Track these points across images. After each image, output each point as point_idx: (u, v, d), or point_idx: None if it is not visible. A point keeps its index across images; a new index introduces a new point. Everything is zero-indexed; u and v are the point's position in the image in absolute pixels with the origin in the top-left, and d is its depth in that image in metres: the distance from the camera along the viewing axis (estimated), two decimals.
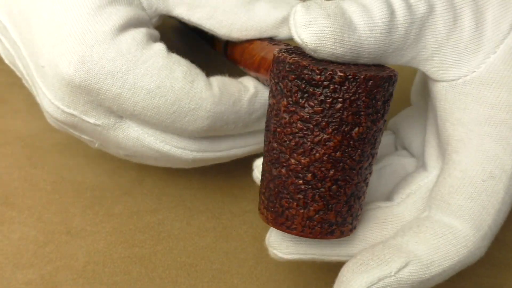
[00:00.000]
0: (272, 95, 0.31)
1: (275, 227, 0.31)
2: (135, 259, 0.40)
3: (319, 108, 0.29)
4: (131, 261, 0.40)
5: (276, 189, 0.30)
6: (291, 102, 0.29)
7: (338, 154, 0.29)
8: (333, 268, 0.40)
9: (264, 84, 0.37)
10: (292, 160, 0.30)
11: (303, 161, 0.29)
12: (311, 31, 0.29)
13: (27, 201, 0.42)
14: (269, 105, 0.31)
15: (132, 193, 0.43)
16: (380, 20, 0.30)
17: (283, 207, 0.30)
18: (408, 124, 0.38)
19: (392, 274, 0.29)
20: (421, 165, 0.36)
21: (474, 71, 0.31)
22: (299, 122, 0.29)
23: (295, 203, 0.30)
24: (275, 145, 0.30)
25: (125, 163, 0.45)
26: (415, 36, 0.30)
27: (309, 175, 0.29)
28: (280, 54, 0.30)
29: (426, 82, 0.36)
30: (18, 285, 0.38)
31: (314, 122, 0.29)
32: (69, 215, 0.42)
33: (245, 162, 0.44)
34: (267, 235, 0.33)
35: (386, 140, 0.40)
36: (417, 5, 0.30)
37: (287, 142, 0.30)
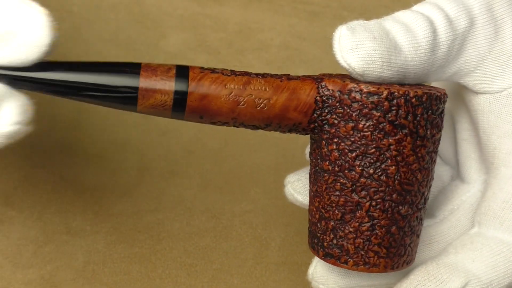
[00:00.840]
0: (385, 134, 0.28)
1: (328, 261, 0.29)
2: (135, 259, 0.40)
3: (438, 134, 0.28)
4: (131, 261, 0.40)
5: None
6: (420, 136, 0.28)
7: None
8: None
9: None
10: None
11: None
12: (358, 55, 0.28)
13: (27, 201, 0.42)
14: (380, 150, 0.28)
15: (132, 193, 0.43)
16: (423, 39, 0.29)
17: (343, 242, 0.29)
18: (448, 149, 0.37)
19: None
20: (458, 177, 0.35)
21: None
22: (426, 154, 0.28)
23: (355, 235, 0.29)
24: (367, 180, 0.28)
25: (125, 163, 0.45)
26: (457, 52, 0.30)
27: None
28: (396, 91, 0.27)
29: (456, 94, 0.35)
30: (18, 285, 0.38)
31: (433, 147, 0.29)
32: (69, 215, 0.42)
33: (245, 162, 0.44)
34: (311, 269, 0.32)
35: None
36: (458, 20, 0.30)
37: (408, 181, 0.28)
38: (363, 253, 0.28)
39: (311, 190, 0.30)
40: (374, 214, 0.28)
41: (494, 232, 0.31)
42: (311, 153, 0.30)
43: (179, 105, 0.27)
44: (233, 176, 0.44)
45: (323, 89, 0.28)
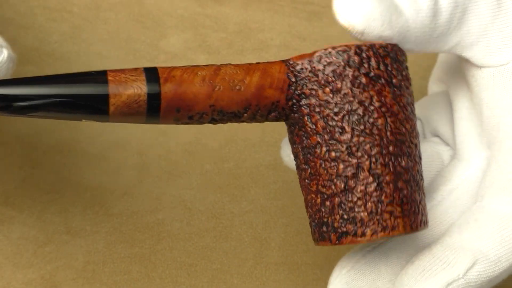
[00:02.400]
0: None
1: (345, 242, 0.28)
2: (135, 259, 0.40)
3: (410, 87, 0.29)
4: (131, 261, 0.40)
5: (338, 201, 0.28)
6: (396, 86, 0.28)
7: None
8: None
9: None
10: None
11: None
12: (359, 12, 0.27)
13: (27, 201, 0.42)
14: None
15: (132, 193, 0.43)
16: (424, 3, 0.29)
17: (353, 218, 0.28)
18: (436, 111, 0.36)
19: (461, 276, 0.28)
20: (456, 157, 0.33)
21: None
22: (407, 105, 0.29)
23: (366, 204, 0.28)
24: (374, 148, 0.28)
25: (125, 163, 0.45)
26: (459, 20, 0.30)
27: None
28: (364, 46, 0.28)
29: (455, 73, 0.35)
30: (18, 285, 0.38)
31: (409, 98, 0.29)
32: (69, 215, 0.42)
33: (245, 162, 0.44)
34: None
35: None
36: None
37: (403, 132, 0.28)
38: (378, 217, 0.27)
39: (304, 179, 0.29)
40: (377, 171, 0.28)
41: (500, 205, 0.30)
42: (293, 141, 0.29)
43: (154, 99, 0.26)
44: (233, 176, 0.44)
45: (292, 65, 0.28)
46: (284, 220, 0.42)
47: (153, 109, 0.26)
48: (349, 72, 0.28)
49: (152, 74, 0.26)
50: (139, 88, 0.26)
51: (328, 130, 0.28)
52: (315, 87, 0.28)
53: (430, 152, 0.35)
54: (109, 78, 0.26)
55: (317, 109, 0.28)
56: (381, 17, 0.28)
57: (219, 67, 0.28)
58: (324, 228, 0.28)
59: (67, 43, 0.46)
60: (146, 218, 0.42)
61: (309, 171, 0.29)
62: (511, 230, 0.29)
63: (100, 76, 0.26)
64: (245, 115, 0.28)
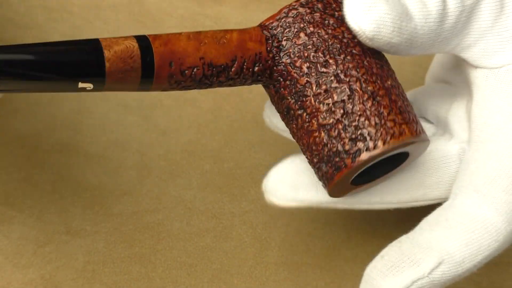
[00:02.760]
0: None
1: (360, 160, 0.29)
2: (135, 259, 0.40)
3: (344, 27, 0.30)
4: (131, 261, 0.40)
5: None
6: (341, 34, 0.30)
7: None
8: (333, 269, 0.40)
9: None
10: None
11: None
12: (371, 18, 0.27)
13: (27, 201, 0.42)
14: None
15: (132, 193, 0.43)
16: (434, 8, 0.29)
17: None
18: (429, 96, 0.36)
19: (426, 275, 0.29)
20: (446, 133, 0.34)
21: None
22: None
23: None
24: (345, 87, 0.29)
25: (125, 163, 0.45)
26: (463, 25, 0.30)
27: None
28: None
29: (456, 66, 0.35)
30: (18, 285, 0.38)
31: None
32: (69, 215, 0.42)
33: (245, 162, 0.44)
34: (264, 180, 0.33)
35: None
36: None
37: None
38: (383, 127, 0.28)
39: (301, 126, 0.30)
40: (368, 88, 0.29)
41: (470, 207, 0.30)
42: (282, 96, 0.31)
43: (147, 53, 0.27)
44: (233, 176, 0.44)
45: (264, 26, 0.31)
46: (284, 220, 0.42)
47: (147, 64, 0.27)
48: (316, 17, 0.30)
49: (141, 36, 0.28)
50: (131, 45, 0.27)
51: (313, 68, 0.29)
52: (290, 36, 0.30)
53: None
54: (101, 40, 0.27)
55: (298, 54, 0.30)
56: (392, 24, 0.27)
57: (199, 31, 0.29)
58: (336, 159, 0.29)
59: None
60: (146, 218, 0.42)
61: (305, 113, 0.30)
62: (478, 232, 0.30)
63: (91, 40, 0.27)
64: (233, 68, 0.29)
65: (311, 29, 0.30)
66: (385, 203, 0.33)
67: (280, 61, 0.30)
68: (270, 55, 0.30)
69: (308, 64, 0.29)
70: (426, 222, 0.31)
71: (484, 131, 0.31)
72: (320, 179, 0.31)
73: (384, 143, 0.28)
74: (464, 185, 0.31)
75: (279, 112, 0.32)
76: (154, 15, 0.47)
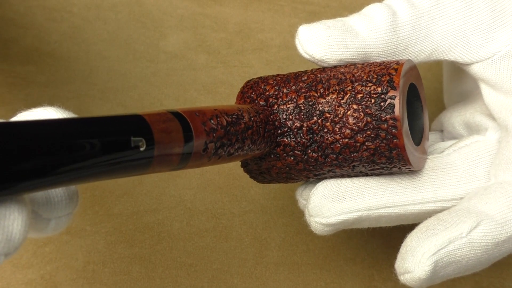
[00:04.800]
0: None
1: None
2: (135, 259, 0.40)
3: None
4: (131, 261, 0.40)
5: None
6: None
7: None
8: (333, 269, 0.40)
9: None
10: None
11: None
12: (315, 44, 0.31)
13: None
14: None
15: (132, 193, 0.43)
16: (382, 22, 0.31)
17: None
18: (452, 111, 0.36)
19: (464, 235, 0.27)
20: (480, 130, 0.34)
21: (508, 45, 0.31)
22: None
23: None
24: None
25: None
26: (427, 29, 0.31)
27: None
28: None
29: (458, 74, 0.36)
30: (18, 285, 0.38)
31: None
32: None
33: None
34: (306, 206, 0.31)
35: (433, 138, 0.37)
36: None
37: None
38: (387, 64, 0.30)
39: (331, 128, 0.30)
40: (356, 82, 0.30)
41: (509, 176, 0.30)
42: (298, 143, 0.31)
43: (173, 111, 0.27)
44: (233, 176, 0.44)
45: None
46: (284, 220, 0.42)
47: (180, 118, 0.26)
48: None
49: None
50: (160, 110, 0.26)
51: (296, 86, 0.31)
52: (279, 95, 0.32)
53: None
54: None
55: (280, 94, 0.31)
56: (336, 43, 0.31)
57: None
58: (382, 102, 0.29)
59: (67, 43, 0.46)
60: (146, 218, 0.42)
61: (326, 113, 0.30)
62: None
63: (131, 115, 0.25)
64: (244, 116, 0.29)
65: (271, 81, 0.32)
66: (439, 200, 0.31)
67: (273, 109, 0.31)
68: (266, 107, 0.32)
69: (294, 92, 0.31)
70: (466, 197, 0.30)
71: (505, 112, 0.31)
72: (390, 162, 0.30)
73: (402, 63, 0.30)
74: (498, 163, 0.31)
75: (304, 164, 0.31)
76: (154, 15, 0.47)
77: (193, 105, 0.46)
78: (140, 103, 0.46)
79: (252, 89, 0.32)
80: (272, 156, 0.31)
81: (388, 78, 0.29)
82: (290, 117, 0.31)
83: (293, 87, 0.31)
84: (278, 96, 0.31)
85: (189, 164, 0.26)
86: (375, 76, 0.30)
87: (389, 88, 0.29)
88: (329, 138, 0.30)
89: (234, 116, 0.29)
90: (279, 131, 0.31)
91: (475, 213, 0.28)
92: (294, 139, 0.31)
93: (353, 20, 0.31)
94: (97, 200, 0.43)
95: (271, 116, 0.31)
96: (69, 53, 0.46)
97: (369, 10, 0.32)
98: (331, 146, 0.30)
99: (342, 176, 0.32)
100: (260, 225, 0.42)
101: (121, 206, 0.43)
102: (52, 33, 0.47)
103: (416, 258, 0.27)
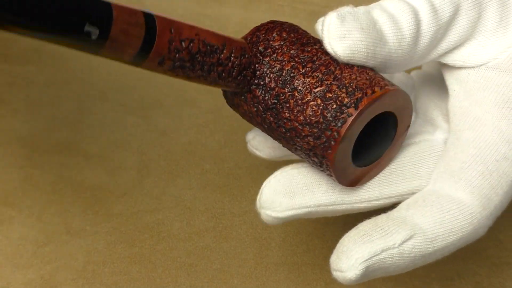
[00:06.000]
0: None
1: (363, 105, 0.29)
2: (135, 259, 0.40)
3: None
4: (131, 261, 0.40)
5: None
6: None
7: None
8: None
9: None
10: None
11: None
12: (345, 45, 0.29)
13: (27, 201, 0.42)
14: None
15: (132, 193, 0.43)
16: (408, 31, 0.30)
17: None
18: (419, 97, 0.37)
19: (396, 246, 0.29)
20: (433, 126, 0.35)
21: (497, 58, 0.31)
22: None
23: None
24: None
25: (125, 163, 0.45)
26: (439, 41, 0.31)
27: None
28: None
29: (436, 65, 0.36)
30: (18, 285, 0.38)
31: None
32: (69, 215, 0.42)
33: (245, 163, 0.44)
34: (258, 197, 0.32)
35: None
36: (443, 9, 0.30)
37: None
38: (374, 80, 0.30)
39: (293, 108, 0.30)
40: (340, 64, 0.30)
41: (449, 190, 0.31)
42: (267, 89, 0.31)
43: (149, 14, 0.28)
44: (233, 176, 0.44)
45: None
46: None
47: (150, 21, 0.28)
48: (286, 26, 0.32)
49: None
50: (136, 9, 0.27)
51: (295, 52, 0.31)
52: (269, 38, 0.32)
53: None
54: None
55: (278, 49, 0.31)
56: (365, 50, 0.29)
57: None
58: (339, 112, 0.29)
59: None
60: (146, 218, 0.42)
61: (296, 92, 0.30)
62: (453, 213, 0.30)
63: None
64: (224, 51, 0.30)
65: (284, 34, 0.31)
66: (384, 198, 0.33)
67: (263, 59, 0.31)
68: (254, 50, 0.31)
69: (290, 52, 0.31)
70: (404, 203, 0.31)
71: (463, 121, 0.32)
72: (320, 165, 0.31)
73: (381, 88, 0.29)
74: (442, 171, 0.32)
75: (261, 120, 0.32)
76: None
77: (193, 105, 0.46)
78: (140, 103, 0.46)
79: (265, 32, 0.32)
80: (243, 97, 0.32)
81: (360, 95, 0.29)
82: (271, 75, 0.31)
83: (292, 51, 0.31)
84: (276, 51, 0.31)
85: (142, 65, 0.28)
86: (354, 87, 0.29)
87: (353, 105, 0.29)
88: (286, 114, 0.30)
89: (211, 47, 0.30)
90: (255, 81, 0.31)
91: (410, 225, 0.30)
92: (262, 95, 0.31)
93: (382, 21, 0.30)
94: (97, 200, 0.43)
95: (257, 65, 0.31)
96: (69, 53, 0.46)
97: (396, 10, 0.30)
98: (284, 121, 0.30)
99: (289, 150, 0.32)
100: (260, 225, 0.42)
101: (121, 206, 0.43)
102: None
103: (350, 261, 0.29)
